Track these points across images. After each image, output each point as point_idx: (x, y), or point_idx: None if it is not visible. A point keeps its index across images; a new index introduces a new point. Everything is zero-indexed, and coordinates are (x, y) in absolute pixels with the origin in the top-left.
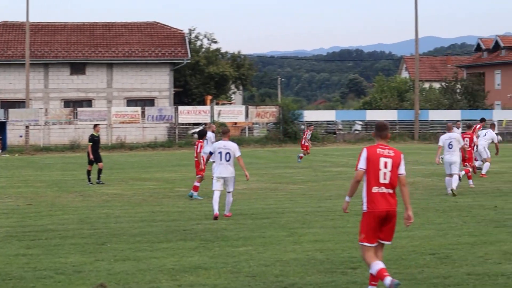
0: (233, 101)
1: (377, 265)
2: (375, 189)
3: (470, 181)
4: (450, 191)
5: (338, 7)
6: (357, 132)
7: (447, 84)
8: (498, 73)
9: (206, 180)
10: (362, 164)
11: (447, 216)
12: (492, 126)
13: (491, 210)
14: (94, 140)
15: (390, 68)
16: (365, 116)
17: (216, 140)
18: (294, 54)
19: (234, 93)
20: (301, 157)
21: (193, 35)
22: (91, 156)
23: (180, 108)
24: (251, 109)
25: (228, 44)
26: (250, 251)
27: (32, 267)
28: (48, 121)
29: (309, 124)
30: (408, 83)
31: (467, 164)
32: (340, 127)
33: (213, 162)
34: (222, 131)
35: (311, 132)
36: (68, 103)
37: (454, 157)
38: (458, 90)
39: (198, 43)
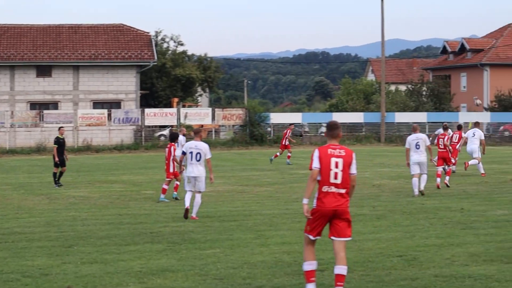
0: (199, 104)
1: (309, 266)
2: (325, 188)
3: (438, 179)
4: (418, 192)
5: (304, 9)
6: (323, 134)
7: (413, 87)
8: (464, 76)
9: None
10: (315, 164)
11: (414, 218)
12: (477, 124)
13: (458, 212)
14: (60, 142)
15: (356, 71)
16: (331, 118)
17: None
18: (260, 56)
19: (200, 95)
20: (275, 156)
21: (159, 38)
22: (57, 159)
23: (147, 110)
24: (218, 111)
25: (195, 46)
26: (217, 253)
27: None
28: (14, 123)
29: (290, 123)
30: (374, 86)
31: (445, 164)
32: (307, 129)
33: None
34: (194, 131)
35: (291, 131)
36: (34, 105)
37: (422, 157)
38: (424, 93)
39: (165, 45)
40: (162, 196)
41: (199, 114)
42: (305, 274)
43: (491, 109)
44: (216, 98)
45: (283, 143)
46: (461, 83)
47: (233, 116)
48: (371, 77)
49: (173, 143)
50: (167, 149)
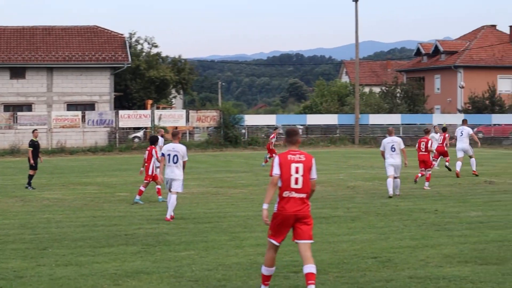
0: (173, 106)
1: (267, 271)
2: (286, 194)
3: (427, 183)
4: (392, 192)
5: (278, 11)
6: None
7: (387, 89)
8: (438, 78)
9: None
10: (276, 170)
11: (388, 220)
12: (464, 121)
13: (432, 213)
14: (35, 145)
15: (330, 73)
16: (305, 120)
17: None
18: (234, 58)
19: (174, 97)
20: (266, 161)
21: (133, 39)
22: (32, 161)
23: (121, 112)
24: (192, 113)
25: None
26: (192, 255)
27: None
28: None
29: (275, 128)
30: (349, 88)
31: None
32: (281, 131)
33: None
34: (172, 134)
35: (276, 135)
36: (8, 107)
37: (397, 160)
38: (398, 95)
39: (139, 47)
40: (138, 197)
41: (173, 116)
42: (262, 276)
43: (464, 110)
44: (190, 100)
45: (270, 147)
46: (435, 85)
47: (207, 118)
48: (345, 79)
49: (153, 146)
50: (147, 152)
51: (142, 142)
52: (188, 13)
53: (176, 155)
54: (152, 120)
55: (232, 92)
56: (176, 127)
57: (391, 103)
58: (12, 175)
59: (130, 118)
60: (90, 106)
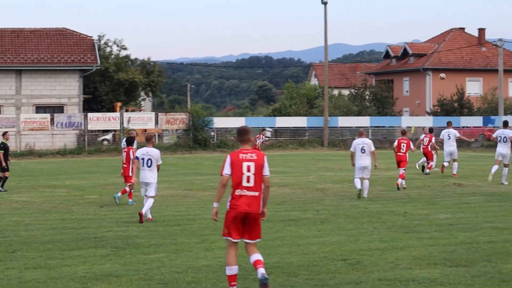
0: (142, 108)
1: (230, 271)
2: (238, 192)
3: (404, 181)
4: (359, 187)
5: (247, 14)
6: (267, 139)
7: (356, 91)
8: (407, 80)
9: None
10: (226, 170)
11: (357, 222)
12: (449, 124)
13: (401, 216)
14: (6, 148)
15: (299, 75)
16: (275, 123)
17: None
18: (203, 60)
19: (143, 99)
20: None
21: (102, 42)
22: (3, 164)
23: (90, 115)
24: (161, 116)
25: (138, 50)
26: (161, 258)
27: None
28: None
29: (262, 129)
30: (318, 90)
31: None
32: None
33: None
34: (146, 138)
35: (264, 136)
36: None
37: (366, 161)
38: (367, 97)
39: (108, 49)
40: (131, 200)
41: (142, 118)
42: (227, 277)
43: (433, 113)
44: (159, 102)
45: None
46: (403, 87)
47: (176, 121)
48: (314, 81)
49: (130, 147)
50: (124, 153)
51: (111, 145)
52: (157, 15)
53: (150, 159)
54: (121, 123)
55: (201, 95)
56: (145, 130)
57: (360, 105)
58: None
59: (99, 121)
60: (59, 108)
